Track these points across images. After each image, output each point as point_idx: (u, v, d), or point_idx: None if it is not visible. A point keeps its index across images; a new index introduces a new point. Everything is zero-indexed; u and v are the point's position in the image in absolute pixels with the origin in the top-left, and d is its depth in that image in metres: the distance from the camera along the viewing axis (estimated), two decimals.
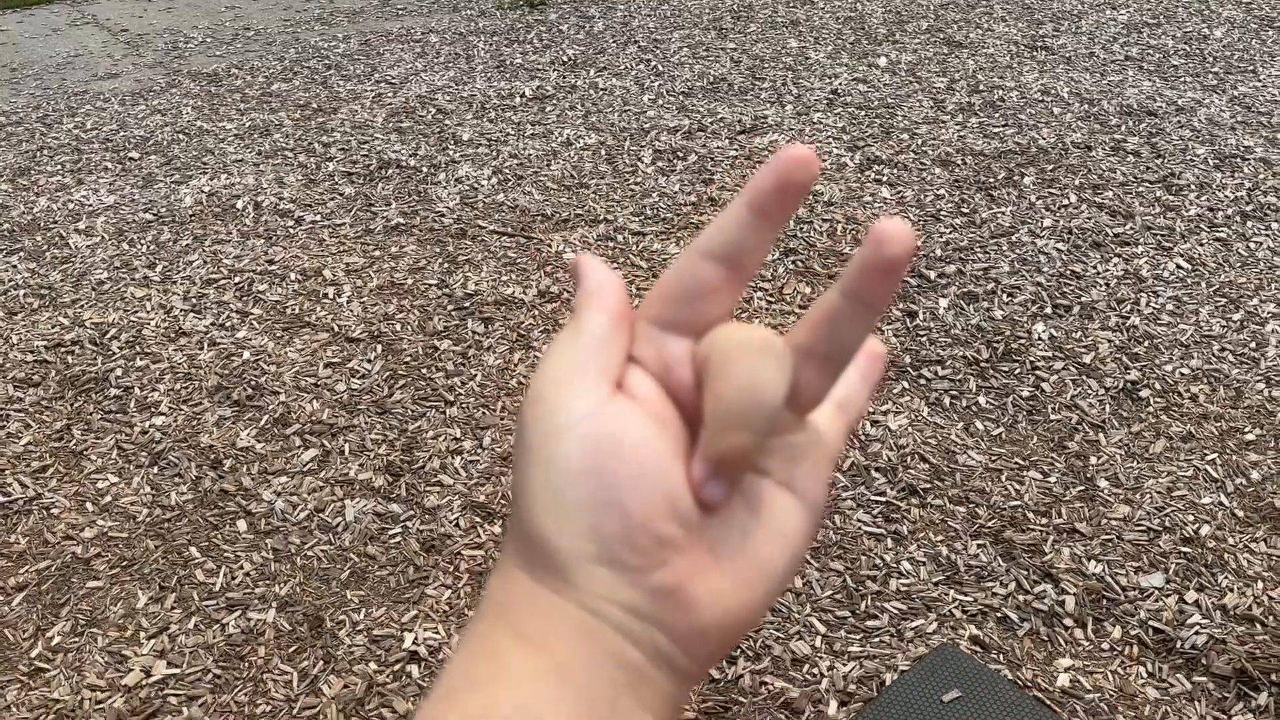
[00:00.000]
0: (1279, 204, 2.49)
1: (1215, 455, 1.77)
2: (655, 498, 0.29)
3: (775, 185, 0.30)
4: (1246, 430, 1.82)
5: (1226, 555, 1.58)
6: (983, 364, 2.00)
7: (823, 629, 1.52)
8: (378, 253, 2.51)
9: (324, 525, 1.74)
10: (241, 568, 1.67)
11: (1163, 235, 2.39)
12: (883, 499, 1.73)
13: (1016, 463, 1.78)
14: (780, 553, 0.32)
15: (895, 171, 2.73)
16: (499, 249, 2.50)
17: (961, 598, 1.55)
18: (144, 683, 1.48)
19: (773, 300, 2.22)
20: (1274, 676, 1.41)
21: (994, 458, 1.79)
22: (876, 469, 1.78)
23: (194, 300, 2.34)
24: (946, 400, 1.93)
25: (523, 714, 0.27)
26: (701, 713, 1.41)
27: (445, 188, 2.80)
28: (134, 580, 1.65)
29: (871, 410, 1.90)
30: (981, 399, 1.93)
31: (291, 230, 2.63)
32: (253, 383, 2.07)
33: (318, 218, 2.68)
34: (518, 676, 0.28)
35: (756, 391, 0.28)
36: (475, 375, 2.07)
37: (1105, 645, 1.47)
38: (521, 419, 0.30)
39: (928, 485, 1.74)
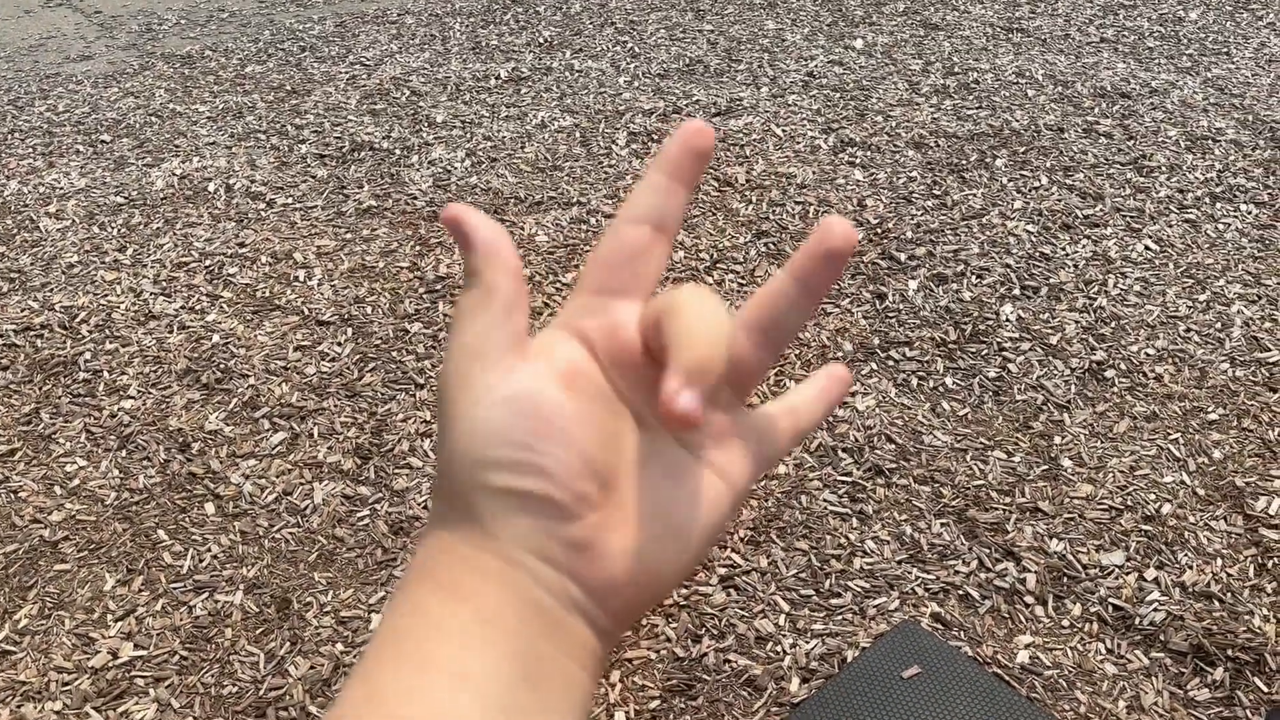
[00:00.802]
0: (1248, 186, 2.50)
1: (1178, 435, 1.78)
2: (571, 455, 0.30)
3: (681, 152, 0.34)
4: (1210, 410, 1.83)
5: (1187, 533, 1.60)
6: (950, 345, 2.01)
7: (786, 607, 1.53)
8: (349, 235, 2.50)
9: (292, 508, 1.74)
10: (209, 550, 1.67)
11: (1132, 217, 2.40)
12: (849, 479, 1.74)
13: (982, 443, 1.79)
14: (696, 520, 0.33)
15: (868, 154, 2.73)
16: None
17: (924, 576, 1.56)
18: (111, 664, 1.48)
19: (744, 282, 2.22)
20: (1229, 652, 1.43)
21: (959, 438, 1.80)
22: (844, 449, 1.79)
23: (164, 283, 2.33)
24: (914, 381, 1.94)
25: (452, 664, 0.29)
26: (665, 690, 1.42)
27: (418, 170, 2.78)
28: (101, 563, 1.65)
29: None
30: (949, 380, 1.94)
31: (263, 213, 2.62)
32: (222, 366, 2.06)
33: (289, 200, 2.67)
34: (444, 628, 0.29)
35: (710, 316, 0.30)
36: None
37: (1065, 622, 1.48)
38: (441, 388, 0.32)
39: (893, 465, 1.75)
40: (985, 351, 2.00)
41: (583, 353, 0.33)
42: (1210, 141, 2.70)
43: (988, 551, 1.59)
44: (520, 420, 0.30)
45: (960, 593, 1.54)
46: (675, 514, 0.33)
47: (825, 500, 1.70)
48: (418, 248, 2.43)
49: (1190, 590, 1.51)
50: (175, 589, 1.61)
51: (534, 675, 0.30)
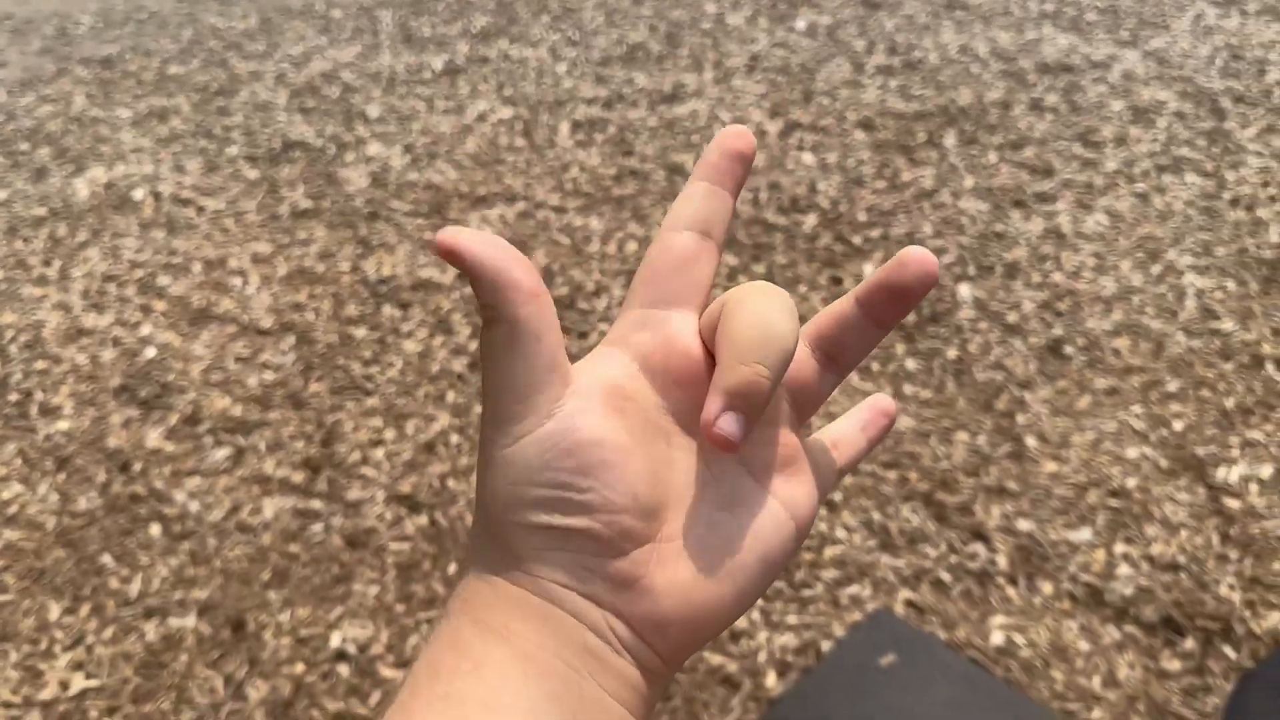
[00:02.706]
0: (1193, 157, 2.52)
1: (1139, 408, 1.79)
2: (615, 490, 0.29)
3: (721, 155, 0.33)
4: (1168, 382, 1.84)
5: (1152, 506, 1.60)
6: (910, 328, 2.00)
7: (759, 602, 1.50)
8: (285, 239, 2.41)
9: (242, 525, 1.67)
10: (158, 573, 1.60)
11: (1082, 191, 2.41)
12: None
13: (945, 425, 1.78)
14: (751, 551, 0.31)
15: (817, 137, 2.71)
16: (414, 230, 2.42)
17: (895, 562, 1.54)
18: (61, 697, 1.41)
19: None
20: (1198, 621, 1.43)
21: (923, 420, 1.79)
22: None
23: (94, 297, 2.23)
24: (875, 365, 1.92)
25: (489, 701, 0.27)
26: None
27: (354, 168, 2.70)
28: (45, 592, 1.57)
29: None
30: (909, 363, 1.92)
31: (193, 220, 2.52)
32: (159, 381, 1.97)
33: (221, 205, 2.57)
34: (482, 665, 0.28)
35: (768, 325, 0.29)
36: (394, 363, 2.00)
37: (1037, 601, 1.47)
38: (482, 427, 0.30)
39: None
40: (944, 333, 1.99)
41: (633, 371, 0.32)
42: (1154, 114, 2.72)
43: (957, 534, 1.58)
44: (561, 458, 0.29)
45: (932, 577, 1.52)
46: (730, 548, 0.31)
47: None
48: (358, 249, 2.36)
49: (1158, 563, 1.51)
50: (125, 615, 1.54)
51: (576, 716, 0.28)
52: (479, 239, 0.29)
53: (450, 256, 0.29)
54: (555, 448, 0.29)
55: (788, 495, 0.32)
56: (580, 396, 0.30)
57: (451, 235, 0.29)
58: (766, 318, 0.29)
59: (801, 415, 0.34)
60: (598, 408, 0.30)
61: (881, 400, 0.37)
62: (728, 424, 0.28)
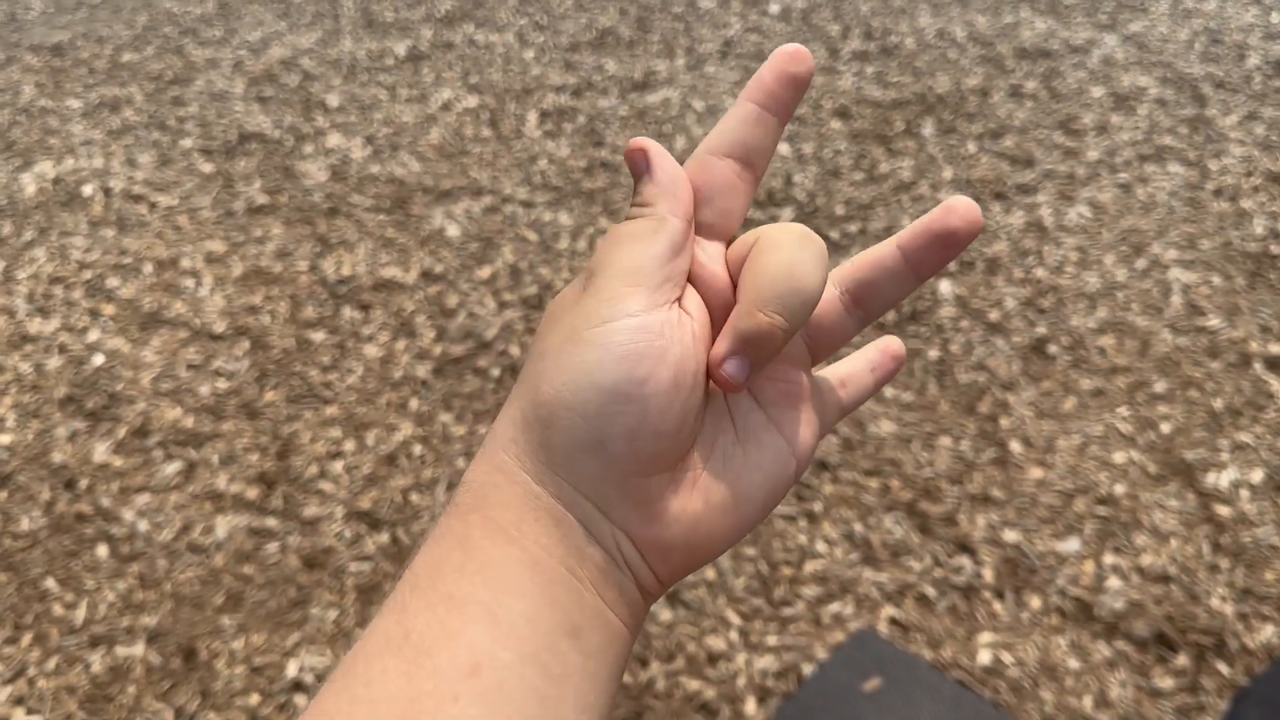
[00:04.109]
0: (1175, 146, 2.47)
1: (1126, 410, 1.73)
2: (675, 411, 0.29)
3: (776, 79, 0.31)
4: (1155, 382, 1.79)
5: (1140, 514, 1.55)
6: (889, 328, 1.94)
7: (738, 621, 1.44)
8: (240, 237, 2.31)
9: (193, 546, 1.59)
10: (105, 598, 1.52)
11: (1064, 182, 2.35)
12: None
13: (928, 429, 1.72)
14: (758, 487, 0.31)
15: (793, 126, 2.64)
16: (375, 227, 2.33)
17: (878, 577, 1.49)
18: None
19: None
20: (1190, 636, 1.38)
21: (905, 425, 1.73)
22: None
23: (40, 301, 2.13)
24: None
25: (492, 605, 0.27)
26: None
27: (313, 161, 2.60)
28: None
29: None
30: None
31: (145, 217, 2.41)
32: (107, 390, 1.88)
33: (174, 201, 2.46)
34: (488, 567, 0.28)
35: (795, 275, 0.29)
36: (354, 369, 1.91)
37: (1025, 616, 1.42)
38: (579, 306, 0.30)
39: (839, 459, 1.67)
40: (925, 333, 1.93)
41: (701, 306, 0.31)
42: (1135, 101, 2.67)
43: (941, 546, 1.52)
44: (644, 356, 0.28)
45: (916, 592, 1.46)
46: (741, 482, 0.31)
47: None
48: (316, 247, 2.26)
49: (1148, 574, 1.46)
50: (69, 644, 1.45)
51: (576, 625, 0.28)
52: (669, 158, 0.31)
53: (638, 153, 0.31)
54: (643, 342, 0.28)
55: (792, 433, 0.33)
56: (683, 316, 0.30)
57: (646, 140, 0.31)
58: (795, 265, 0.29)
59: (817, 356, 0.34)
60: (693, 334, 0.30)
61: (892, 343, 0.37)
62: (733, 367, 0.29)
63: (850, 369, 0.36)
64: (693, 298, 0.31)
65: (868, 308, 0.33)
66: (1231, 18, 3.09)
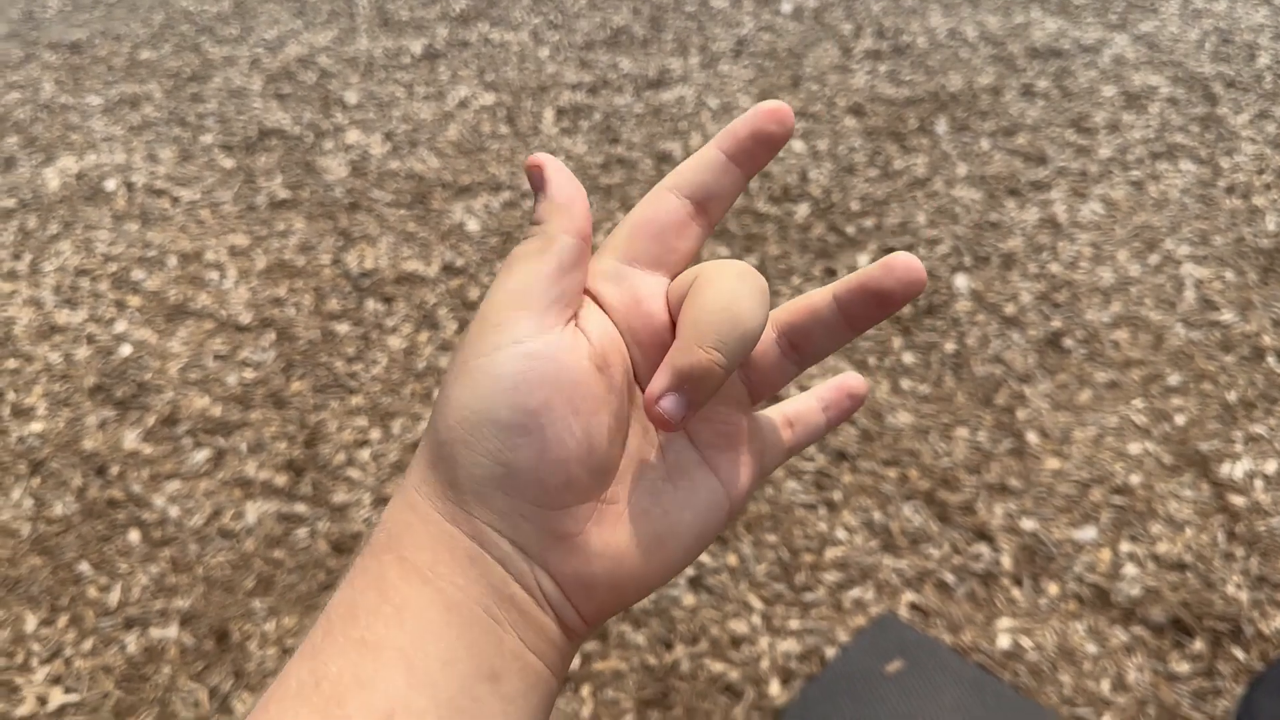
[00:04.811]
0: (1187, 144, 2.49)
1: (1140, 402, 1.76)
2: (576, 437, 0.28)
3: (750, 135, 0.31)
4: (1169, 375, 1.81)
5: (1156, 504, 1.57)
6: (906, 321, 1.96)
7: (760, 605, 1.47)
8: (263, 231, 2.34)
9: (224, 531, 1.61)
10: (138, 581, 1.54)
11: (1077, 179, 2.38)
12: (813, 466, 1.67)
13: (945, 420, 1.74)
14: (687, 525, 0.30)
15: (807, 123, 2.66)
16: (396, 221, 2.36)
17: (898, 563, 1.51)
18: (40, 713, 1.36)
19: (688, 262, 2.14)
20: (1205, 622, 1.40)
21: (922, 416, 1.75)
22: None
23: (67, 293, 2.16)
24: (871, 360, 1.88)
25: (407, 649, 0.26)
26: (640, 702, 1.35)
27: (333, 157, 2.63)
28: (21, 602, 1.52)
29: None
30: (906, 357, 1.89)
31: (168, 211, 2.44)
32: (135, 380, 1.91)
33: (196, 196, 2.49)
34: (403, 609, 0.27)
35: (734, 312, 0.28)
36: (379, 359, 1.94)
37: (1043, 602, 1.44)
38: (466, 334, 0.29)
39: (857, 449, 1.70)
40: (941, 326, 1.95)
41: (613, 327, 0.31)
42: (1146, 99, 2.70)
43: (960, 534, 1.55)
44: (536, 383, 0.28)
45: (936, 579, 1.49)
46: (668, 518, 0.30)
47: (790, 490, 1.63)
48: (339, 241, 2.29)
49: (1164, 562, 1.49)
50: (104, 626, 1.48)
51: (495, 669, 0.27)
52: (565, 173, 0.31)
53: (535, 168, 0.30)
54: (533, 369, 0.28)
55: (729, 474, 0.32)
56: (577, 336, 0.29)
57: (547, 157, 0.31)
58: (735, 302, 0.28)
59: (755, 396, 0.33)
60: (586, 355, 0.29)
61: (850, 380, 0.36)
62: (670, 405, 0.28)
63: (801, 408, 0.35)
64: (594, 315, 0.30)
65: (802, 352, 0.32)
66: (1242, 18, 3.11)
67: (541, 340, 0.28)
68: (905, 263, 0.29)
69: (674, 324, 0.30)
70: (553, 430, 0.28)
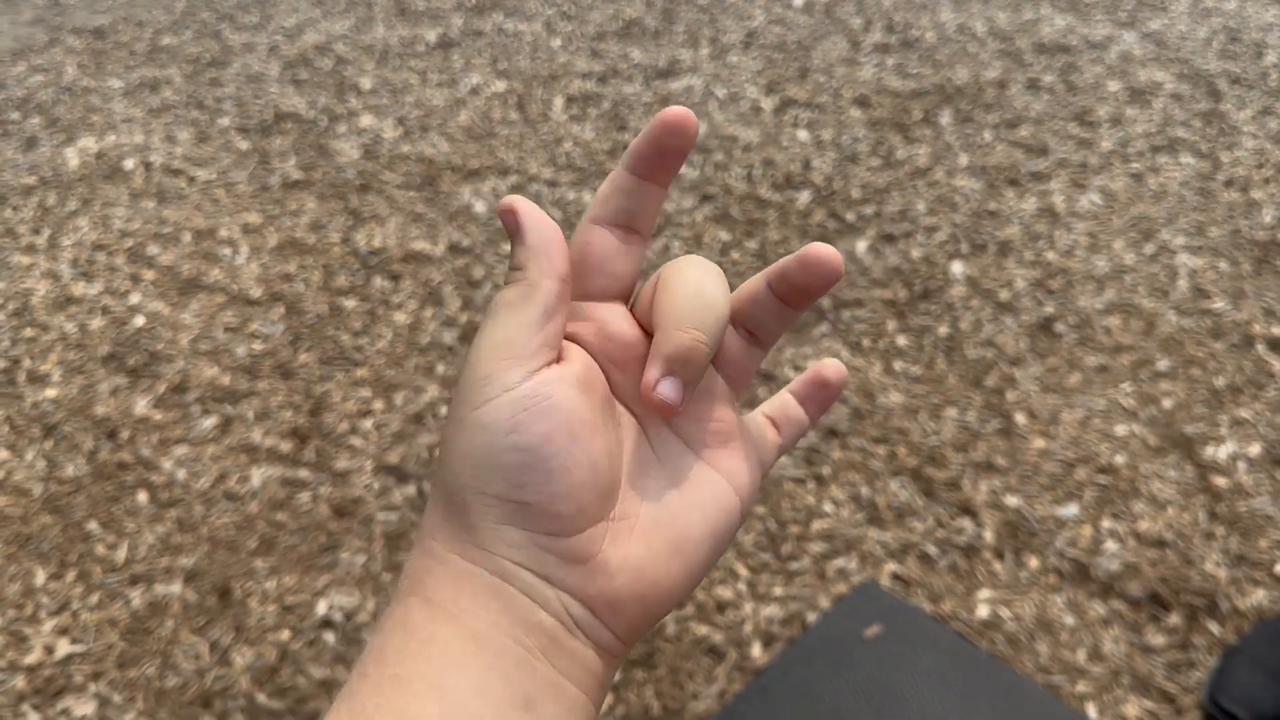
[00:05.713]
0: (1188, 138, 2.51)
1: (1129, 386, 1.78)
2: (580, 464, 0.29)
3: (652, 149, 0.30)
4: (1158, 360, 1.84)
5: (1139, 483, 1.60)
6: (901, 305, 1.99)
7: (746, 573, 1.50)
8: (276, 210, 2.40)
9: (229, 494, 1.66)
10: (144, 540, 1.60)
11: (1077, 170, 2.40)
12: (804, 442, 1.71)
13: (935, 401, 1.77)
14: (698, 526, 0.31)
15: (812, 114, 2.70)
16: (405, 203, 2.41)
17: (882, 536, 1.54)
18: (46, 661, 1.41)
19: (690, 247, 2.18)
20: (1182, 597, 1.43)
21: (913, 397, 1.78)
22: None
23: (83, 266, 2.22)
24: (866, 342, 1.91)
25: (437, 680, 0.27)
26: (626, 663, 1.38)
27: (346, 140, 2.68)
28: (31, 558, 1.57)
29: (782, 351, 1.87)
30: (900, 339, 1.92)
31: (184, 190, 2.50)
32: (148, 350, 1.97)
33: (212, 176, 2.55)
34: (429, 644, 0.28)
35: (703, 294, 0.29)
36: (384, 334, 1.99)
37: (1023, 576, 1.47)
38: (458, 387, 0.30)
39: (847, 427, 1.73)
40: (936, 310, 1.98)
41: (586, 354, 0.32)
42: (1150, 95, 2.71)
43: (944, 509, 1.58)
44: (532, 422, 0.28)
45: (919, 551, 1.52)
46: (679, 523, 0.31)
47: (781, 464, 1.67)
48: (349, 220, 2.34)
49: (1144, 539, 1.51)
50: (110, 581, 1.53)
51: (529, 696, 0.28)
52: (538, 214, 0.31)
53: (508, 213, 0.31)
54: (528, 411, 0.28)
55: (730, 470, 0.33)
56: (563, 371, 0.30)
57: (516, 199, 0.31)
58: (702, 286, 0.30)
59: (735, 390, 0.34)
60: (574, 383, 0.30)
61: (824, 369, 0.37)
62: (667, 389, 0.29)
63: (778, 406, 0.37)
64: (569, 347, 0.32)
65: (759, 338, 0.34)
66: (1251, 17, 3.12)
67: (530, 383, 0.29)
68: (818, 256, 0.31)
69: (647, 334, 0.32)
70: (557, 462, 0.28)
